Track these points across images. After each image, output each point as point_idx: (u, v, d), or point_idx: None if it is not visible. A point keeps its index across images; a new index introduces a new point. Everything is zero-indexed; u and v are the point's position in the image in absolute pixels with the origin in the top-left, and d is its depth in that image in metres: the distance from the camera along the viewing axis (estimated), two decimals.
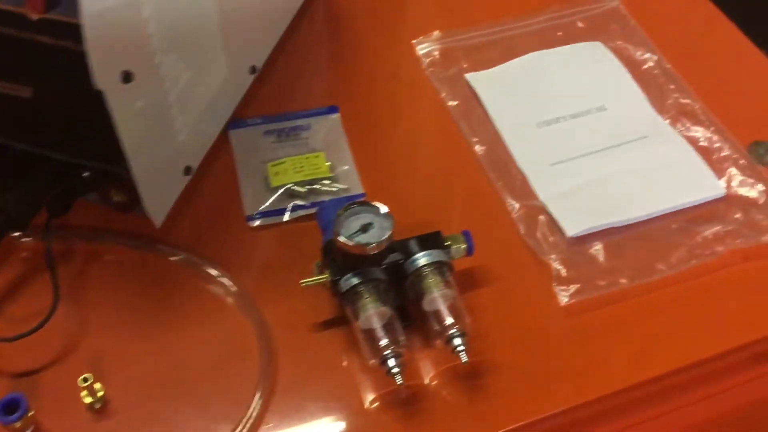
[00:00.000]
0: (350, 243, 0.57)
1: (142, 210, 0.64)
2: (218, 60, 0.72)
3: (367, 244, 0.57)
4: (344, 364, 0.61)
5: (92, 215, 0.68)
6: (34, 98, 0.60)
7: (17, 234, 0.67)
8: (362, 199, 0.70)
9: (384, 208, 0.59)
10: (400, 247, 0.61)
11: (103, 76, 0.54)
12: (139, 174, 0.62)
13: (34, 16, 0.54)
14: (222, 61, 0.72)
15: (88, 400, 0.58)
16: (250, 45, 0.79)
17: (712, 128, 0.75)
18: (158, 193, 0.66)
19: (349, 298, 0.58)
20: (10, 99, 0.60)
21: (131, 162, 0.60)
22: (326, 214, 0.63)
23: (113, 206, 0.67)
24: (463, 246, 0.62)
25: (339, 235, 0.57)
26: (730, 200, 0.69)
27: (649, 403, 0.60)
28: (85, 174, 0.65)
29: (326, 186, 0.71)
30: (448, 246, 0.62)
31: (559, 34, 0.85)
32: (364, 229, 0.58)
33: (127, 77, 0.57)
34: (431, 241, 0.61)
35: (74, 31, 0.51)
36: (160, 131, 0.65)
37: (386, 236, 0.58)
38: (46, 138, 0.64)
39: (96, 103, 0.56)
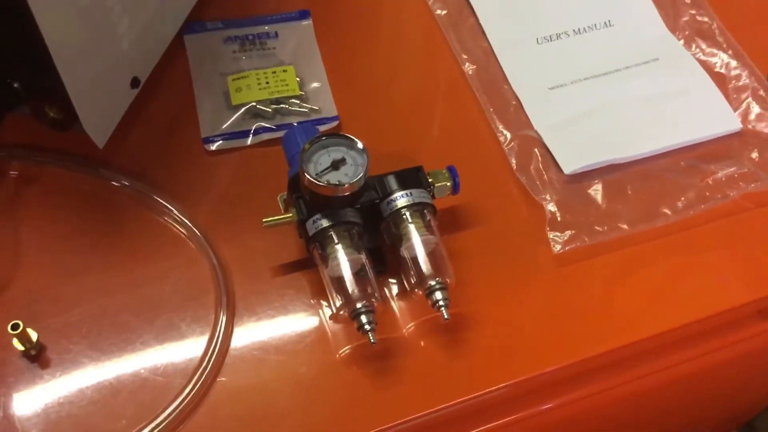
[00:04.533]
0: (320, 182, 0.49)
1: (82, 129, 0.56)
2: None
3: (339, 184, 0.50)
4: (311, 311, 0.54)
5: (28, 132, 0.59)
6: None
7: None
8: (333, 127, 0.62)
9: (359, 143, 0.51)
10: (375, 184, 0.53)
11: None
12: (74, 88, 0.53)
13: None
14: None
15: (20, 347, 0.51)
16: None
17: (731, 52, 0.67)
18: (99, 108, 0.58)
19: (318, 242, 0.51)
20: None
21: (63, 75, 0.52)
22: (293, 142, 0.55)
23: (48, 123, 0.58)
24: (448, 184, 0.55)
25: (306, 172, 0.50)
26: (745, 136, 0.62)
27: (645, 359, 0.55)
28: (16, 85, 0.56)
29: (295, 106, 0.63)
30: (431, 184, 0.55)
31: None
32: (335, 165, 0.50)
33: None
34: (412, 178, 0.54)
35: None
36: (98, 37, 0.56)
37: (361, 175, 0.50)
38: None
39: (16, 6, 0.47)
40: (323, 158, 0.51)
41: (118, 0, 0.55)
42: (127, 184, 0.58)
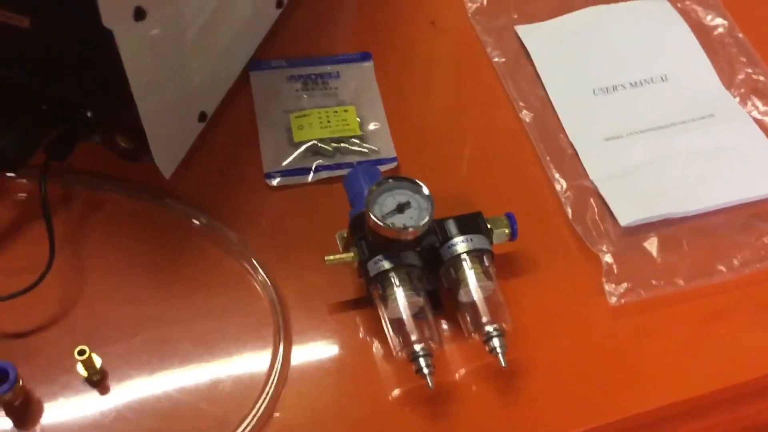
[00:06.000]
0: (385, 225, 0.50)
1: (151, 159, 0.58)
2: None
3: (404, 227, 0.51)
4: (366, 350, 0.55)
5: (97, 160, 0.61)
6: (33, 29, 0.52)
7: (11, 175, 0.60)
8: (391, 168, 0.63)
9: (425, 188, 0.52)
10: (436, 228, 0.54)
11: (113, 12, 0.47)
12: (148, 119, 0.55)
13: None
14: None
15: (84, 373, 0.52)
16: None
17: None
18: (169, 141, 0.59)
19: (378, 282, 0.52)
20: (6, 28, 0.53)
21: (139, 106, 0.53)
22: (355, 182, 0.56)
23: (118, 154, 0.60)
24: (506, 231, 0.56)
25: (372, 214, 0.51)
26: None
27: (699, 416, 0.55)
28: (90, 115, 0.58)
29: (355, 146, 0.64)
30: (490, 230, 0.55)
31: None
32: (401, 209, 0.51)
33: (139, 14, 0.49)
34: (471, 223, 0.55)
35: None
36: (173, 73, 0.57)
37: (426, 220, 0.51)
38: (45, 73, 0.56)
39: (102, 39, 0.49)
40: (388, 201, 0.52)
41: (194, 39, 0.57)
42: (192, 215, 0.60)
